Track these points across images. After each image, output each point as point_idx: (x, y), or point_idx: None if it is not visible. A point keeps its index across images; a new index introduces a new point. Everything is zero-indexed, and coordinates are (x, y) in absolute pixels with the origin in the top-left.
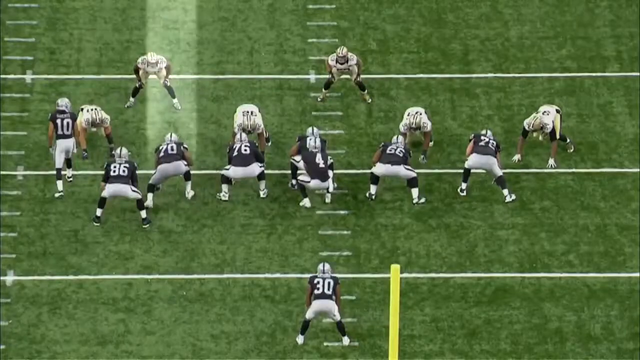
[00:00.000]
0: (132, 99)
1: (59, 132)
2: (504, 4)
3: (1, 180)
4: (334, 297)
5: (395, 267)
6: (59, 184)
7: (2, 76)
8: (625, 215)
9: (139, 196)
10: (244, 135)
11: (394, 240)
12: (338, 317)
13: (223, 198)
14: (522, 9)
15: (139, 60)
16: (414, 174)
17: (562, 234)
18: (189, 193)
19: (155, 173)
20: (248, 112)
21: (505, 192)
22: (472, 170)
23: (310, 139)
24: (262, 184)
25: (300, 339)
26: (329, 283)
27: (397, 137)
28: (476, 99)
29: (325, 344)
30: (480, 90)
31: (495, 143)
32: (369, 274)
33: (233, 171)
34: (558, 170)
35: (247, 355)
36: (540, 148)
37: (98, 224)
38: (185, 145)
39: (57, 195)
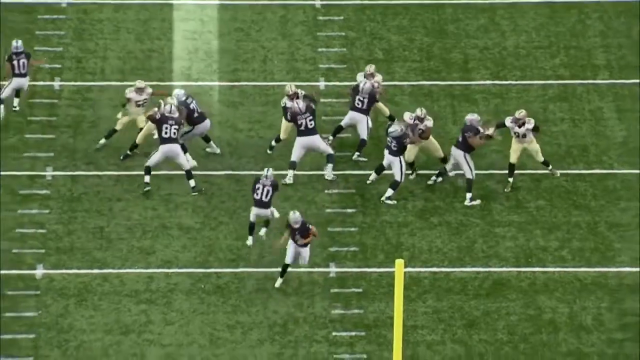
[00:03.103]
0: (103, 141)
1: (16, 71)
2: (501, 15)
3: (31, 180)
4: (270, 204)
5: (399, 262)
6: (16, 101)
7: (33, 83)
8: (615, 213)
9: (186, 164)
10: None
11: (398, 236)
12: (277, 215)
13: (288, 182)
14: (518, 20)
15: (127, 90)
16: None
17: (556, 231)
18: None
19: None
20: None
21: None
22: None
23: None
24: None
25: (249, 241)
26: (267, 191)
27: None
28: (475, 104)
29: (334, 333)
30: (479, 97)
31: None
32: (374, 268)
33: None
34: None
35: (261, 344)
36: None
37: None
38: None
39: None
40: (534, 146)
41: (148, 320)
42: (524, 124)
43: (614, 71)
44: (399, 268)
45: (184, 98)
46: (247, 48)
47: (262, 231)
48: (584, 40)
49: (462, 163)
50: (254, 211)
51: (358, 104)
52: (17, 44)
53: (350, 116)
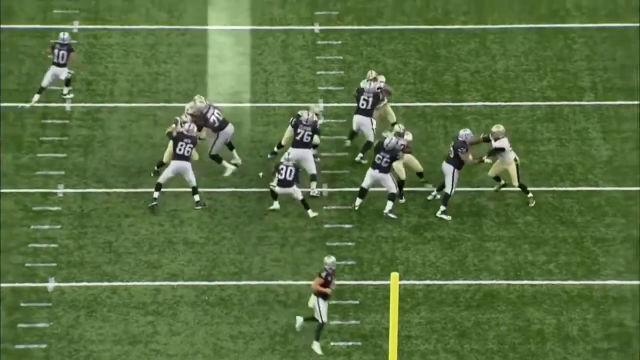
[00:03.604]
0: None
1: (55, 60)
2: (491, 40)
3: (44, 197)
4: (294, 182)
5: (394, 275)
6: (36, 97)
7: (45, 104)
8: (600, 229)
9: (194, 180)
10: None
11: (393, 250)
12: (300, 196)
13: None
14: (508, 44)
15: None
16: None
17: (543, 246)
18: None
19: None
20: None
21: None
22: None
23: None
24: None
25: (275, 205)
26: (291, 170)
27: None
28: (467, 125)
29: (332, 343)
30: (470, 117)
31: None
32: (370, 281)
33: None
34: (540, 189)
35: (262, 353)
36: (523, 169)
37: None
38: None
39: (32, 104)
40: (511, 170)
41: (155, 331)
42: (497, 139)
43: (598, 93)
44: (394, 281)
45: (204, 111)
46: (250, 71)
47: (276, 205)
48: (570, 64)
49: (448, 177)
50: (277, 190)
51: (362, 104)
52: (63, 36)
53: (356, 120)
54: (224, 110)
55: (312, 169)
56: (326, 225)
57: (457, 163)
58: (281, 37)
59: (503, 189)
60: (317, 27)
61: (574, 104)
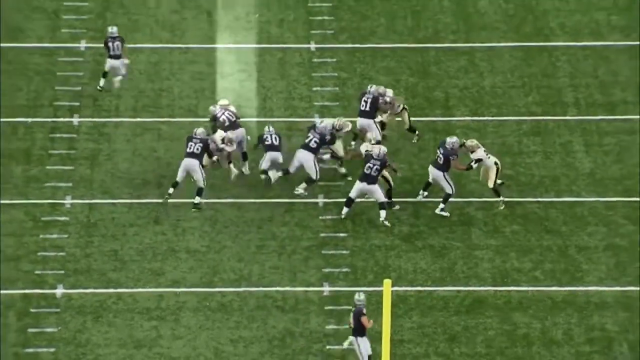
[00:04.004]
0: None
1: (110, 52)
2: (479, 58)
3: (52, 207)
4: (280, 148)
5: (387, 282)
6: (102, 81)
7: (54, 119)
8: (583, 237)
9: (202, 181)
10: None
11: (386, 258)
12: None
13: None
14: (495, 62)
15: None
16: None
17: (529, 254)
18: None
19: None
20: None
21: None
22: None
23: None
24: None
25: (271, 174)
26: (275, 137)
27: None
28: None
29: (328, 347)
30: (459, 131)
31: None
32: (364, 287)
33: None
34: (526, 199)
35: (261, 357)
36: (510, 180)
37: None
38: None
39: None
40: (491, 173)
41: (158, 335)
42: (473, 151)
43: (581, 108)
44: (387, 287)
45: (216, 112)
46: (249, 87)
47: (273, 174)
48: (554, 81)
49: (442, 181)
50: (267, 157)
51: (362, 105)
52: (112, 29)
53: (359, 123)
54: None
55: (311, 173)
56: (322, 234)
57: (446, 168)
58: (279, 55)
59: (501, 199)
60: (313, 46)
61: (558, 118)
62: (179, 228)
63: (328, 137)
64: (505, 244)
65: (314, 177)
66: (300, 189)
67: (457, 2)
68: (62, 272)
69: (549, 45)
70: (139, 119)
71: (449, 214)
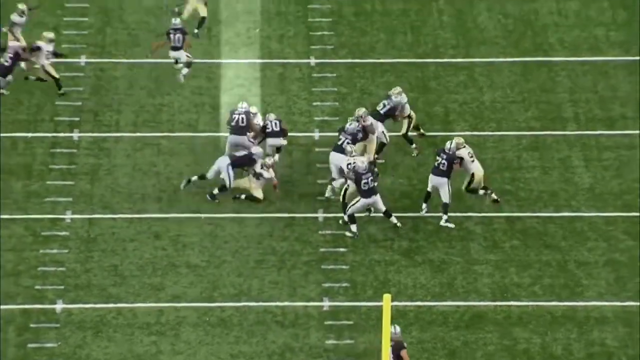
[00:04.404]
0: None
1: (172, 44)
2: (478, 73)
3: (52, 222)
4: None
5: (386, 297)
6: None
7: (54, 134)
8: (582, 252)
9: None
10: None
11: (385, 273)
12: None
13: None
14: (494, 77)
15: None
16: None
17: (529, 269)
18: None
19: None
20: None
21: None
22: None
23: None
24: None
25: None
26: (275, 123)
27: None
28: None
29: None
30: None
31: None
32: (364, 302)
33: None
34: (525, 214)
35: None
36: (509, 195)
37: None
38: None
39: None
40: (467, 177)
41: (158, 350)
42: (459, 149)
43: (581, 123)
44: (387, 302)
45: (246, 109)
46: (249, 102)
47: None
48: (553, 96)
49: (445, 188)
50: (269, 142)
51: (380, 107)
52: (175, 20)
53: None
54: (225, 141)
55: (340, 170)
56: (322, 249)
57: (449, 174)
58: (279, 70)
59: (493, 201)
60: (313, 61)
61: (557, 133)
62: (179, 243)
63: (360, 135)
64: (504, 259)
65: (336, 177)
66: (330, 191)
67: (457, 17)
68: (62, 287)
69: (548, 60)
70: (139, 134)
71: (453, 225)
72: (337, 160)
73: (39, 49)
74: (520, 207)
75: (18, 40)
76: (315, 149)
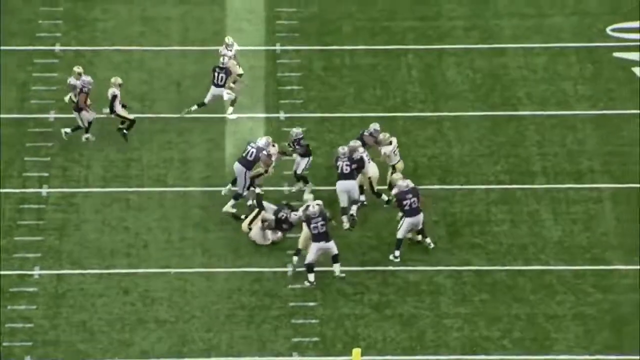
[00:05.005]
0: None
1: (214, 81)
2: (447, 127)
3: (20, 278)
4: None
5: (356, 351)
6: (194, 107)
7: (22, 190)
8: (551, 306)
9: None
10: None
11: (355, 327)
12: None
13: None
14: (463, 131)
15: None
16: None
17: (498, 322)
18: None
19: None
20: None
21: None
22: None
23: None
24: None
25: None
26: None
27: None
28: (424, 206)
29: None
30: (428, 200)
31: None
32: (334, 357)
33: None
34: (494, 268)
35: None
36: (478, 249)
37: None
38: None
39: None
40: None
41: None
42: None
43: (549, 177)
44: (357, 357)
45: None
46: (218, 157)
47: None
48: (522, 149)
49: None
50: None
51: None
52: (223, 60)
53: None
54: (194, 194)
55: (356, 196)
56: (291, 304)
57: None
58: (248, 124)
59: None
60: (282, 115)
61: (526, 187)
62: (148, 298)
63: (357, 155)
64: (474, 313)
65: (356, 199)
66: (352, 214)
67: (425, 72)
68: (30, 343)
69: (517, 114)
70: (108, 189)
71: (433, 245)
72: (346, 187)
73: None
74: (489, 261)
75: None
76: (283, 202)
